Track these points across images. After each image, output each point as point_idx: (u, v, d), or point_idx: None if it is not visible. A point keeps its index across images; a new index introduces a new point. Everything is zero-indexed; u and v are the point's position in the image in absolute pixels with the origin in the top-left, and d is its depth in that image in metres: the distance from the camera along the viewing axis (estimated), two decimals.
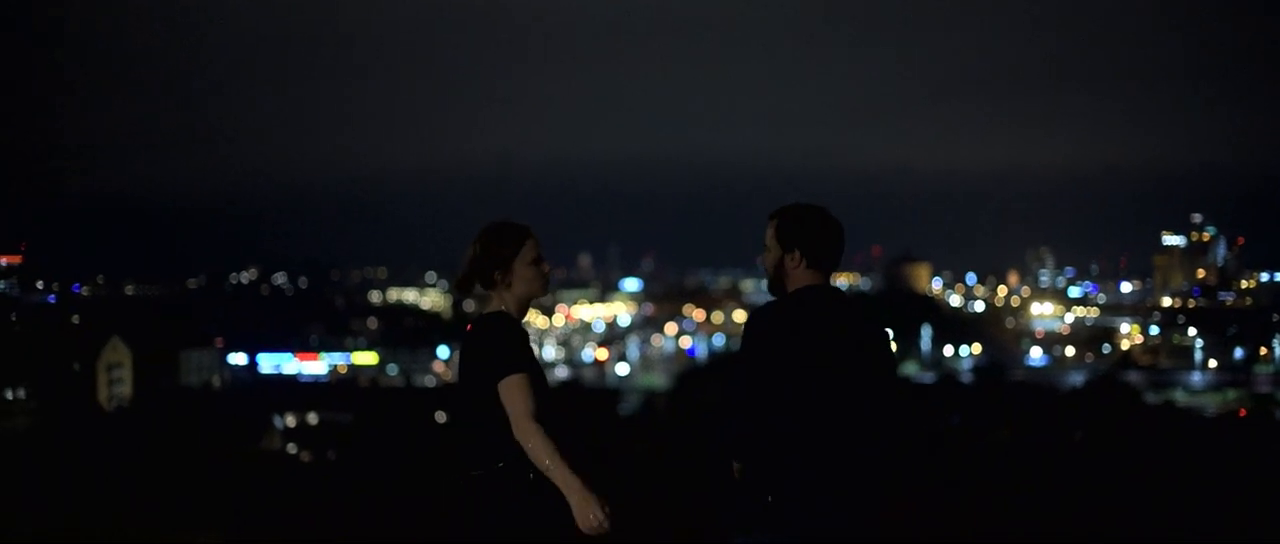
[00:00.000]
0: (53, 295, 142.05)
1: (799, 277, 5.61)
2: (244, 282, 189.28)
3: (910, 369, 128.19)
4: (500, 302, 5.50)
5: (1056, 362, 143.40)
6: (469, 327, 5.57)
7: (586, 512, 5.05)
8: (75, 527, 10.58)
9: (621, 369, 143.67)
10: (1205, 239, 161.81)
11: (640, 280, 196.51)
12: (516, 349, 5.29)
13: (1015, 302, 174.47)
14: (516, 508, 5.21)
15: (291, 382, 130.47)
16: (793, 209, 5.68)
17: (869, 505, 5.34)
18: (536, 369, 5.34)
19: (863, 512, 5.32)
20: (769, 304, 5.61)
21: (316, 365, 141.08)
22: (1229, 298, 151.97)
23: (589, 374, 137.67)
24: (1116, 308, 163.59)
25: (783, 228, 5.62)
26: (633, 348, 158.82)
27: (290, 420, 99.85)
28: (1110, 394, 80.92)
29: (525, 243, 5.51)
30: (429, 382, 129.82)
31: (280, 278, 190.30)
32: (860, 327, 5.55)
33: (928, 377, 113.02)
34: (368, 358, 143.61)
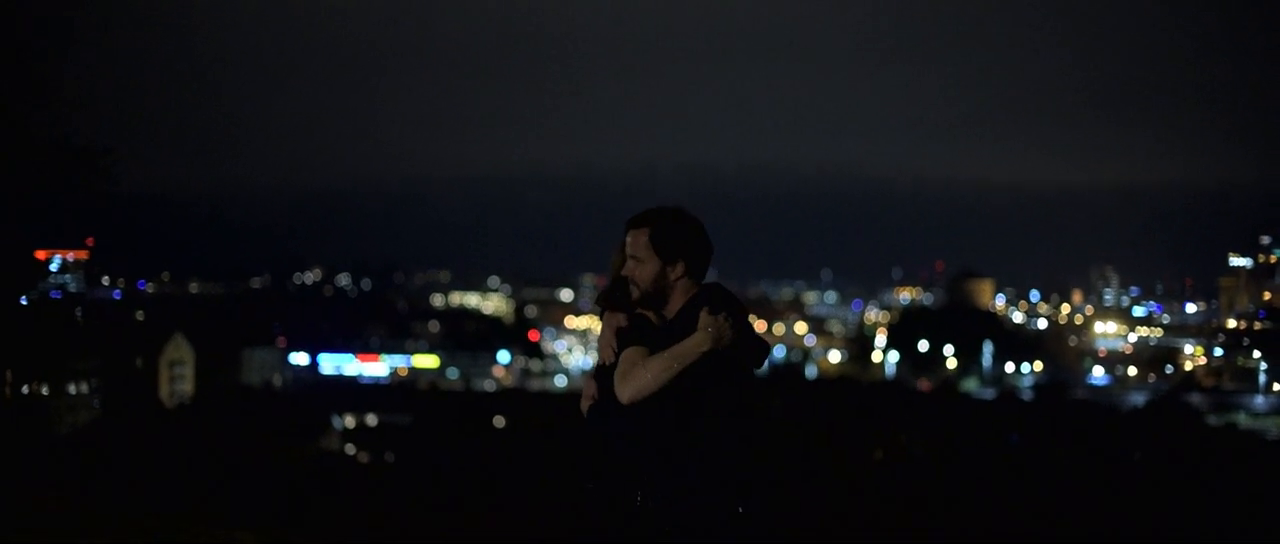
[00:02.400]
0: (118, 291, 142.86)
1: (682, 288, 5.17)
2: (307, 282, 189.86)
3: (971, 385, 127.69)
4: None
5: (1119, 381, 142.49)
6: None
7: (711, 336, 4.84)
8: (119, 519, 10.64)
9: None
10: (1272, 261, 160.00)
11: None
12: (641, 338, 5.03)
13: (1078, 319, 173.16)
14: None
15: (352, 383, 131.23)
16: (663, 214, 5.20)
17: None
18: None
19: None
20: (712, 300, 5.07)
21: (377, 367, 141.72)
22: None
23: None
24: (1181, 328, 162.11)
25: (661, 237, 5.13)
26: None
27: (349, 421, 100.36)
28: (1172, 415, 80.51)
29: None
30: (489, 386, 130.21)
31: (344, 279, 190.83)
32: None
33: (988, 393, 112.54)
34: (428, 361, 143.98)
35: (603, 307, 5.37)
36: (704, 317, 4.89)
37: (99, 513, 11.20)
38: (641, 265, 5.11)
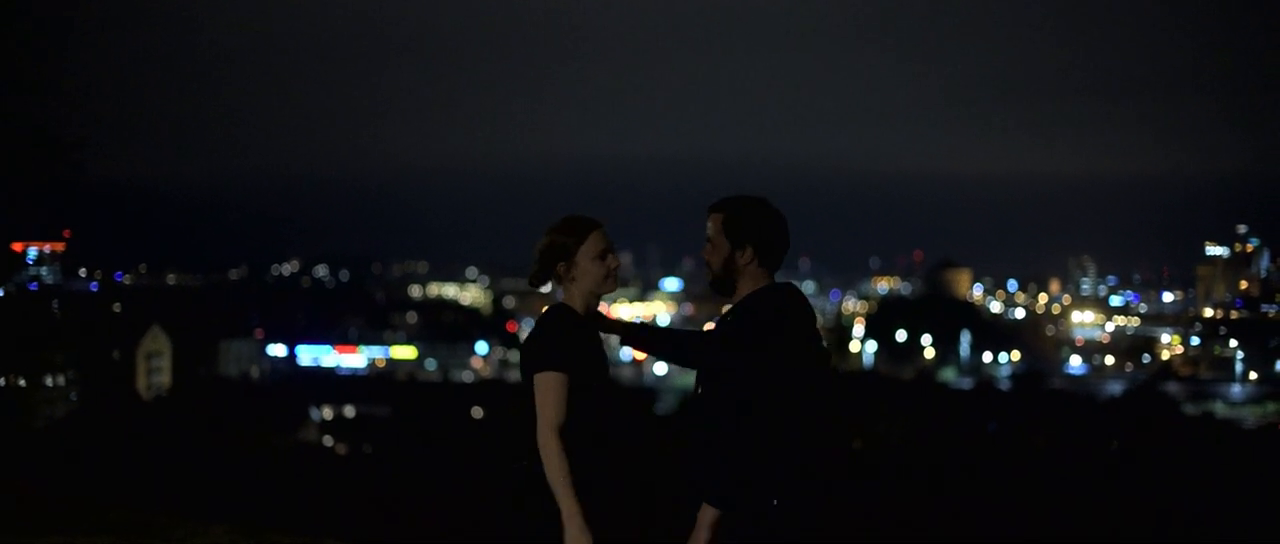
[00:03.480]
0: (95, 283, 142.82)
1: (751, 275, 5.27)
2: (285, 273, 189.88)
3: (949, 375, 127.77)
4: (567, 296, 5.35)
5: (1096, 370, 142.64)
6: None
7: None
8: (94, 512, 10.58)
9: (660, 368, 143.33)
10: (1249, 250, 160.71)
11: (680, 280, 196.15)
12: (561, 344, 5.11)
13: (1056, 309, 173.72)
14: (545, 509, 5.00)
15: (330, 374, 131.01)
16: (739, 201, 5.34)
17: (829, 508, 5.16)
18: (587, 369, 5.15)
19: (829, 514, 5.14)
20: (775, 294, 5.24)
21: (355, 359, 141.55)
22: (1271, 310, 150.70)
23: (627, 373, 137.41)
24: (1158, 317, 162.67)
25: (732, 222, 5.27)
26: None
27: (327, 413, 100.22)
28: (1149, 404, 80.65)
29: (590, 235, 5.29)
30: (466, 377, 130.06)
31: (321, 270, 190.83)
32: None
33: (966, 382, 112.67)
34: (406, 352, 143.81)
35: (534, 286, 5.53)
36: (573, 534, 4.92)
37: (74, 506, 11.15)
38: (713, 249, 5.30)
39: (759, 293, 5.23)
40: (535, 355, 5.11)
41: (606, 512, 5.04)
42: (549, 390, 5.02)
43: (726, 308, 5.35)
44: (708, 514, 5.02)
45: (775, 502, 4.97)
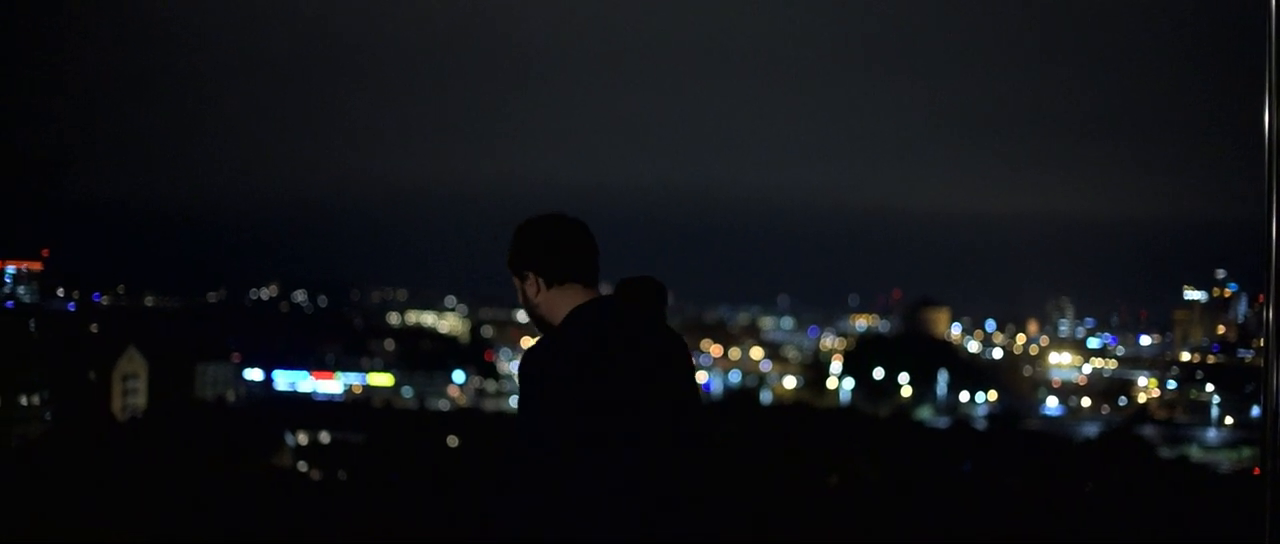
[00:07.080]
0: (72, 303, 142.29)
1: (551, 301, 4.50)
2: (264, 298, 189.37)
3: (925, 413, 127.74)
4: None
5: (1072, 412, 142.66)
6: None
7: None
8: (63, 534, 10.54)
9: None
10: (1227, 295, 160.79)
11: None
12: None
13: (1033, 350, 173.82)
14: None
15: (306, 399, 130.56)
16: (517, 230, 4.57)
17: None
18: None
19: None
20: (537, 343, 4.34)
21: (332, 384, 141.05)
22: (1248, 355, 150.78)
23: None
24: (1135, 360, 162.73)
25: (510, 259, 4.58)
26: None
27: (302, 438, 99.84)
28: (1124, 447, 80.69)
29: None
30: (443, 405, 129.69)
31: (300, 295, 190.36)
32: (657, 343, 4.53)
33: (942, 421, 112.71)
34: (383, 379, 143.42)
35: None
36: None
37: (46, 526, 11.11)
38: (518, 295, 4.63)
39: (571, 317, 4.46)
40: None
41: None
42: None
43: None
44: None
45: None
